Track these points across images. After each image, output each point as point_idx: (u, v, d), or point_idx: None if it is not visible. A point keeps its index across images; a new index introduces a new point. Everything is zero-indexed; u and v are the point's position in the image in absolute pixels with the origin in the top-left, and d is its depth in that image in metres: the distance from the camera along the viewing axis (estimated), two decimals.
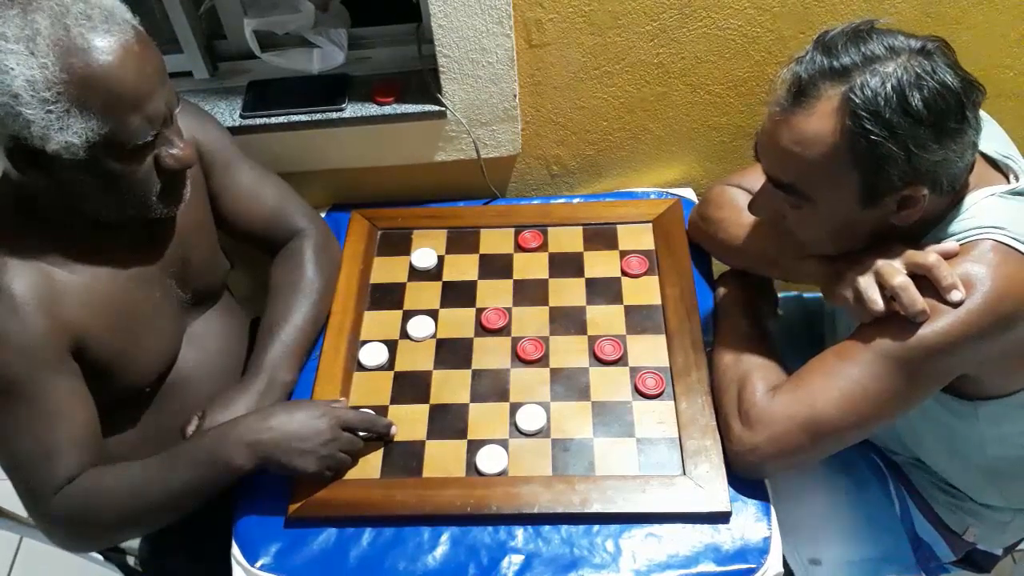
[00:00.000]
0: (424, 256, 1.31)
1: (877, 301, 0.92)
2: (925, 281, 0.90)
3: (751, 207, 1.03)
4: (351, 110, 1.31)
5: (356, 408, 1.09)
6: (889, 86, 0.84)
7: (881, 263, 0.93)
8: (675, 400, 1.11)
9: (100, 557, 1.28)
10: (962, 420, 1.03)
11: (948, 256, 0.90)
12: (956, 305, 0.88)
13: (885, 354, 0.91)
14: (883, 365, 0.91)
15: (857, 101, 0.85)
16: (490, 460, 1.06)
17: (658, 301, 1.23)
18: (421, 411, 1.13)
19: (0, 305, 0.90)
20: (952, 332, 0.88)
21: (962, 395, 1.01)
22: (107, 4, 0.88)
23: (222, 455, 0.97)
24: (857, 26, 0.89)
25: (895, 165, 0.86)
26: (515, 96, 1.30)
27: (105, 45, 0.85)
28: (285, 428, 0.99)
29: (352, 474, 1.06)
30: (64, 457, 0.96)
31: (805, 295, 1.47)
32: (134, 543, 1.24)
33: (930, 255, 0.90)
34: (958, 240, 0.92)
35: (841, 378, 0.93)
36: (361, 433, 1.05)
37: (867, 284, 0.93)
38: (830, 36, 0.89)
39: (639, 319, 1.21)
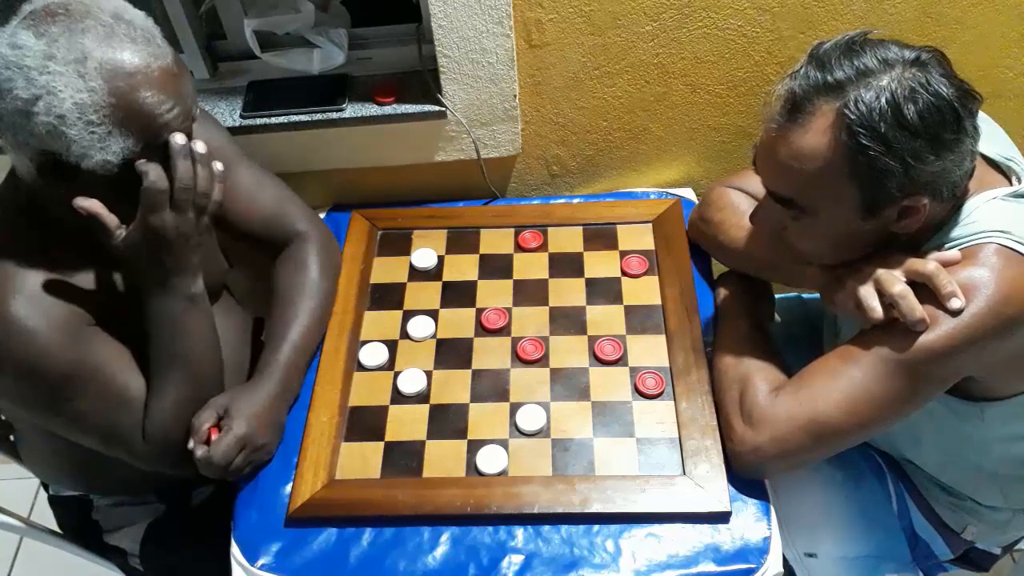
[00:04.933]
0: (424, 256, 1.31)
1: (877, 309, 0.92)
2: (927, 288, 0.90)
3: (752, 219, 1.03)
4: (351, 110, 1.31)
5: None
6: (883, 100, 0.84)
7: (881, 271, 0.93)
8: (675, 400, 1.11)
9: (100, 557, 1.29)
10: (966, 421, 1.03)
11: (949, 264, 0.90)
12: (956, 312, 0.88)
13: (889, 356, 0.91)
14: (887, 367, 0.91)
15: (852, 116, 0.85)
16: (490, 460, 1.06)
17: (658, 301, 1.23)
18: (421, 411, 1.13)
19: (19, 304, 0.91)
20: (956, 335, 0.88)
21: (967, 396, 1.01)
22: (147, 26, 0.88)
23: (178, 302, 1.00)
24: (851, 38, 0.89)
25: (893, 178, 0.86)
26: (515, 96, 1.30)
27: (150, 70, 0.86)
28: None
29: (352, 474, 1.06)
30: (139, 406, 1.02)
31: (805, 296, 1.47)
32: (134, 543, 1.24)
33: (929, 263, 0.90)
34: (961, 245, 0.92)
35: (844, 379, 0.93)
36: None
37: (867, 292, 0.93)
38: (823, 50, 0.89)
39: (639, 319, 1.21)
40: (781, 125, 0.90)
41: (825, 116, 0.87)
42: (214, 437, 1.01)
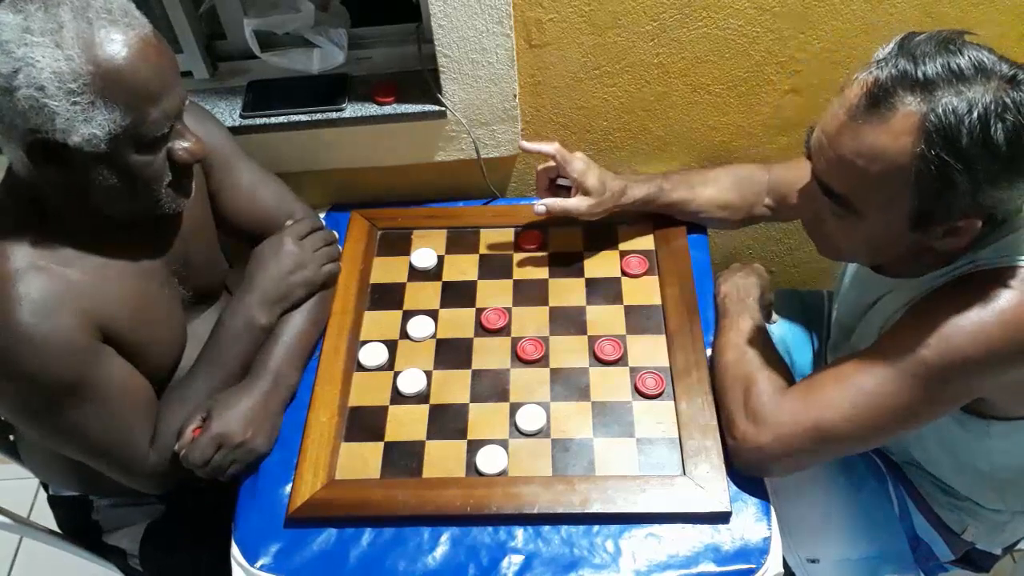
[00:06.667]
0: (424, 256, 1.30)
1: None
2: (943, 308, 0.88)
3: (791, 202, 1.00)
4: (351, 110, 1.31)
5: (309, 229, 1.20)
6: (976, 114, 0.78)
7: None
8: (675, 400, 1.11)
9: (99, 557, 1.28)
10: (971, 433, 1.03)
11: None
12: None
13: (903, 371, 0.89)
14: (901, 382, 0.90)
15: (937, 124, 0.79)
16: (490, 460, 1.06)
17: (658, 301, 1.23)
18: (421, 411, 1.13)
19: (25, 311, 0.90)
20: (975, 357, 0.86)
21: (975, 413, 1.00)
22: (122, 0, 0.89)
23: (252, 324, 1.11)
24: (947, 35, 0.83)
25: (958, 197, 0.81)
26: (515, 96, 1.30)
27: (127, 39, 0.86)
28: (276, 274, 1.14)
29: (352, 474, 1.06)
30: (142, 426, 1.04)
31: (804, 293, 1.47)
32: (134, 544, 1.24)
33: None
34: (994, 265, 0.89)
35: (854, 389, 0.93)
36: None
37: None
38: (915, 40, 0.83)
39: (639, 319, 1.21)
40: (855, 115, 0.83)
41: (907, 117, 0.80)
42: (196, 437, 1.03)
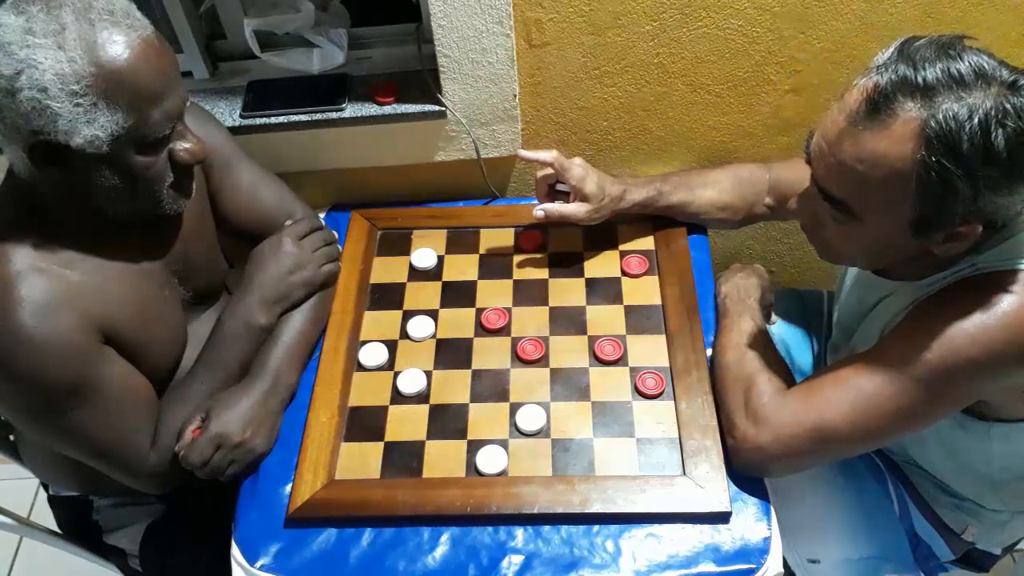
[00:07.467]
0: (424, 256, 1.31)
1: None
2: (949, 308, 0.88)
3: (793, 209, 1.00)
4: (351, 110, 1.31)
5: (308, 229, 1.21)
6: (976, 120, 0.77)
7: None
8: (675, 400, 1.11)
9: (99, 557, 1.28)
10: (972, 435, 1.03)
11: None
12: None
13: (904, 373, 0.90)
14: (901, 384, 0.90)
15: (938, 131, 0.78)
16: (490, 460, 1.06)
17: (658, 301, 1.23)
18: (421, 411, 1.13)
19: (26, 313, 0.90)
20: (976, 359, 0.86)
21: (975, 415, 1.00)
22: (125, 3, 0.89)
23: (252, 324, 1.11)
24: (947, 40, 0.82)
25: (958, 203, 0.81)
26: (515, 96, 1.30)
27: (129, 40, 0.87)
28: (276, 274, 1.14)
29: (352, 474, 1.06)
30: (144, 428, 1.04)
31: (804, 293, 1.47)
32: (134, 544, 1.24)
33: None
34: (995, 268, 0.89)
35: (854, 391, 0.93)
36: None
37: None
38: (915, 46, 0.82)
39: (639, 319, 1.21)
40: (855, 121, 0.83)
41: (907, 123, 0.80)
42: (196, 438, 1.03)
